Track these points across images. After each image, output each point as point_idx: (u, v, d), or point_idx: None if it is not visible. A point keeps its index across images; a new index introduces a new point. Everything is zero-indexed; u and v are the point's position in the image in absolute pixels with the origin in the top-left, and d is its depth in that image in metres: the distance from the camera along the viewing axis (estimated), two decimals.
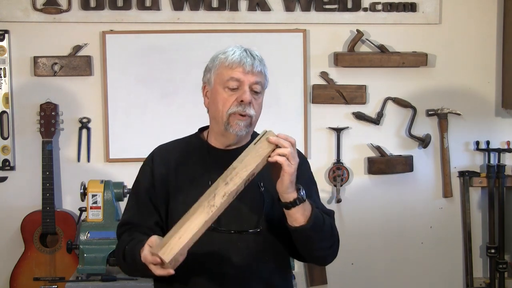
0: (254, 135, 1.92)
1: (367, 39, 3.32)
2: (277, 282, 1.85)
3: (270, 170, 1.68)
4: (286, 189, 1.66)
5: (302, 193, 1.68)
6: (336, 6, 3.29)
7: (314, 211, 1.72)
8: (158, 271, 1.59)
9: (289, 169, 1.63)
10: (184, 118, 3.25)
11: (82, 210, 3.06)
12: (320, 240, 1.78)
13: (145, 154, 1.95)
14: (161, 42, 3.27)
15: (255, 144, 1.65)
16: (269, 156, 1.64)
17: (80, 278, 2.80)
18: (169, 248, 1.55)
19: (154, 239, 1.62)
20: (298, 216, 1.70)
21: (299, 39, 3.29)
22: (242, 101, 1.76)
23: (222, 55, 1.82)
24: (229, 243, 1.77)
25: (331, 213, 1.87)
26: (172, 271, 1.57)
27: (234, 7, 3.26)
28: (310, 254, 1.84)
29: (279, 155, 1.62)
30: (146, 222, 1.82)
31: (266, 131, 1.66)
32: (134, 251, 1.71)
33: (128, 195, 2.17)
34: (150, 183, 1.84)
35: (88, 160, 3.32)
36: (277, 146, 1.65)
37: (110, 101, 3.28)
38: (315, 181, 1.95)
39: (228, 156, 1.85)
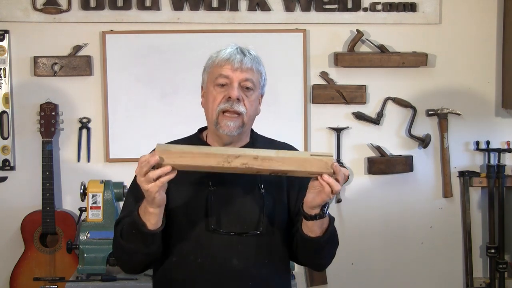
0: (254, 136, 1.92)
1: (367, 39, 3.32)
2: (277, 284, 1.85)
3: (309, 180, 1.69)
4: (313, 206, 1.67)
5: (325, 210, 1.68)
6: (336, 6, 3.29)
7: (331, 224, 1.74)
8: (142, 181, 1.59)
9: (326, 196, 1.64)
10: (184, 118, 3.25)
11: (82, 210, 3.06)
12: (329, 250, 1.81)
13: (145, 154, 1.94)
14: (161, 42, 3.27)
15: (312, 155, 1.62)
16: (314, 176, 1.63)
17: (80, 278, 2.80)
18: (169, 148, 1.59)
19: None
20: (315, 229, 1.72)
21: (299, 39, 3.29)
22: (230, 97, 1.76)
23: (215, 54, 1.83)
24: (229, 245, 1.77)
25: (332, 220, 1.88)
26: (157, 157, 1.57)
27: (234, 7, 3.26)
28: (315, 261, 1.86)
29: (326, 182, 1.61)
30: None
31: (329, 155, 1.63)
32: (131, 217, 1.71)
33: None
34: None
35: (88, 160, 3.32)
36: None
37: (110, 101, 3.28)
38: None
39: None
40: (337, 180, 1.62)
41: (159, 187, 1.59)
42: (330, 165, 1.61)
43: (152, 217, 1.67)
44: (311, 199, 1.66)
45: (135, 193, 1.85)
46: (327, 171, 1.61)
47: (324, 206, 1.68)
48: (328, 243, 1.76)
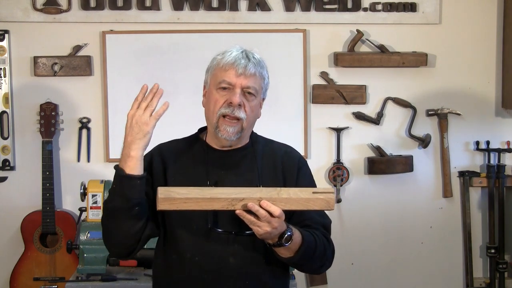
0: (254, 136, 1.92)
1: (367, 39, 3.32)
2: (274, 283, 1.85)
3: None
4: (262, 238, 1.67)
5: (285, 237, 1.66)
6: (336, 6, 3.29)
7: (304, 243, 1.71)
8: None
9: (256, 230, 1.64)
10: (184, 118, 3.23)
11: (82, 210, 3.07)
12: (309, 264, 1.79)
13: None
14: (161, 42, 3.27)
15: (314, 192, 1.64)
16: None
17: (80, 278, 2.80)
18: (172, 194, 1.60)
19: None
20: (282, 252, 1.72)
21: (299, 39, 3.29)
22: (231, 103, 1.77)
23: (219, 56, 1.83)
24: (226, 244, 1.78)
25: (327, 225, 1.86)
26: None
27: (234, 7, 3.26)
28: (301, 270, 1.89)
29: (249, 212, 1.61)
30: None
31: (330, 192, 1.65)
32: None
33: None
34: (147, 173, 1.79)
35: (88, 160, 3.32)
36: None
37: (110, 101, 3.28)
38: (316, 185, 1.95)
39: (226, 157, 1.85)
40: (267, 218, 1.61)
41: (156, 120, 1.72)
42: (332, 203, 1.64)
43: (132, 161, 1.68)
44: (255, 231, 1.65)
45: None
46: (329, 209, 1.65)
47: (283, 235, 1.66)
48: (303, 260, 1.74)
